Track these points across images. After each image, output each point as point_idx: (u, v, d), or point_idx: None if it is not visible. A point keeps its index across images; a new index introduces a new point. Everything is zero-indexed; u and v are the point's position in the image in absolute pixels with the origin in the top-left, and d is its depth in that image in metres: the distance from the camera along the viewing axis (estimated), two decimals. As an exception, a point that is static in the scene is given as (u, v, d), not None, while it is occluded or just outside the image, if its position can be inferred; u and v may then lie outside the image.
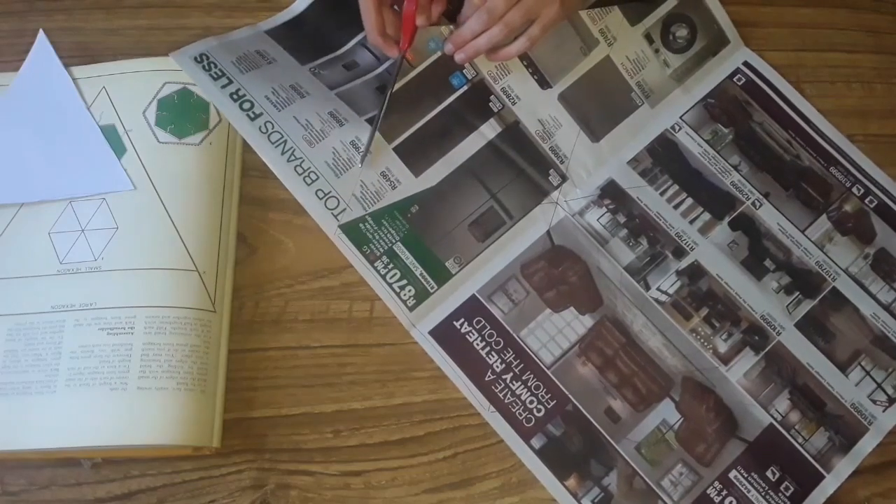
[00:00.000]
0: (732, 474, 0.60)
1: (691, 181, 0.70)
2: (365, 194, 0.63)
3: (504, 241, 0.65)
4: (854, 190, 0.72)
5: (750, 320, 0.65)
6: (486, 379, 0.60)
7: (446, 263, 0.63)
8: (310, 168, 0.62)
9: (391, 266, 0.62)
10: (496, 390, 0.60)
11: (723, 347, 0.64)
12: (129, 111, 0.62)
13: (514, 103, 0.68)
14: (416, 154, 0.65)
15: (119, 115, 0.62)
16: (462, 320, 0.62)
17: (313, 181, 0.62)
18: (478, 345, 0.61)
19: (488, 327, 0.62)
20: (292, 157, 0.62)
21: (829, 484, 0.60)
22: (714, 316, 0.65)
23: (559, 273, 0.65)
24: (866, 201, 0.71)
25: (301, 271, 0.62)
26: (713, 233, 0.68)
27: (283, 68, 0.66)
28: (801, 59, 0.77)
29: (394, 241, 0.63)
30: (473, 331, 0.62)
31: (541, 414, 0.60)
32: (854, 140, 0.74)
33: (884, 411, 0.63)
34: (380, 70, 0.67)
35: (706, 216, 0.69)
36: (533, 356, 0.61)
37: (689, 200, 0.69)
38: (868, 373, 0.64)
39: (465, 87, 0.67)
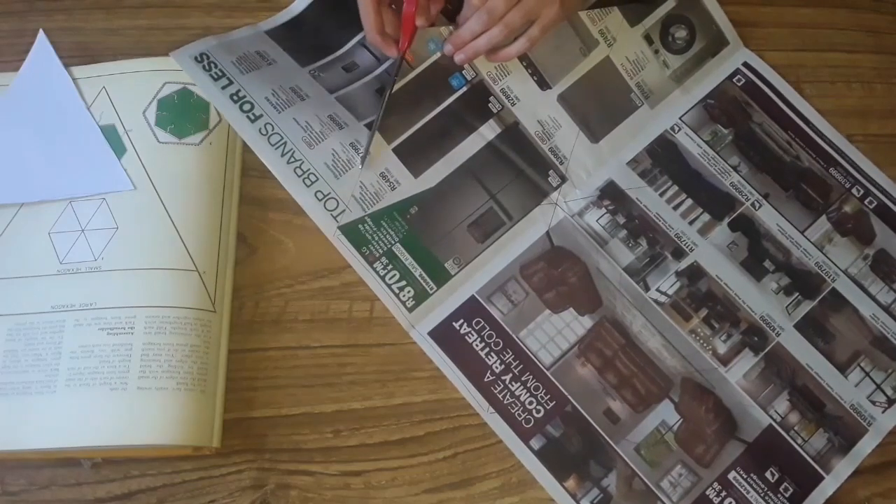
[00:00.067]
0: (732, 475, 0.60)
1: (691, 182, 0.70)
2: (364, 195, 0.63)
3: (503, 241, 0.65)
4: (854, 191, 0.72)
5: (749, 321, 0.65)
6: (486, 380, 0.60)
7: (445, 264, 0.63)
8: (309, 169, 0.62)
9: (390, 267, 0.62)
10: (495, 391, 0.60)
11: (722, 348, 0.64)
12: (129, 111, 0.62)
13: (513, 104, 0.68)
14: (415, 155, 0.65)
15: (119, 115, 0.62)
16: (461, 321, 0.62)
17: (313, 182, 0.62)
18: (477, 346, 0.61)
19: (487, 328, 0.62)
20: (292, 159, 0.62)
21: (829, 485, 0.60)
22: (713, 317, 0.65)
23: (558, 274, 0.65)
24: (866, 202, 0.71)
25: (301, 271, 0.62)
26: (713, 234, 0.68)
27: (282, 70, 0.66)
28: (801, 59, 0.77)
29: (393, 242, 0.63)
30: (473, 332, 0.62)
31: (540, 415, 0.60)
32: (854, 140, 0.74)
33: (883, 412, 0.63)
34: (379, 71, 0.67)
35: (706, 217, 0.69)
36: (532, 357, 0.61)
37: (689, 201, 0.69)
38: (867, 374, 0.65)
39: (465, 88, 0.67)
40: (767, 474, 0.60)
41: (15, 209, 0.60)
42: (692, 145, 0.71)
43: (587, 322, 0.63)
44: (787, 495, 0.60)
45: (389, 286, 0.62)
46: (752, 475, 0.60)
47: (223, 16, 0.70)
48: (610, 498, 0.58)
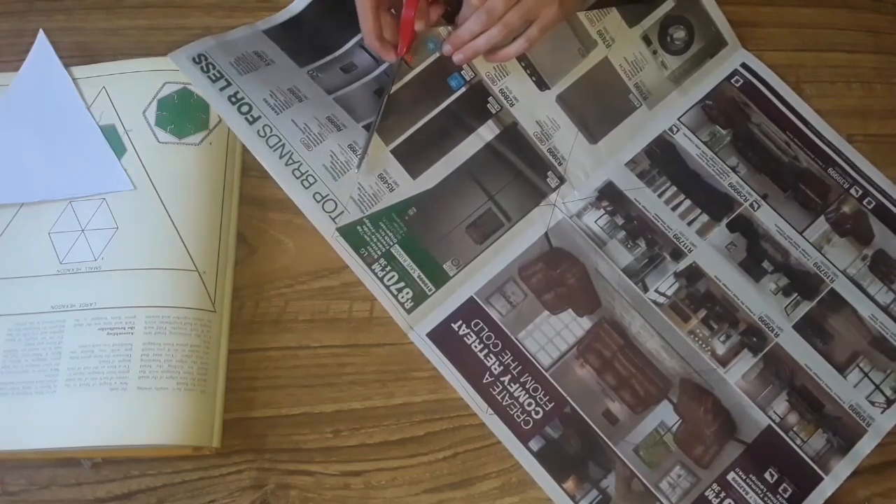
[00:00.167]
0: (731, 476, 0.60)
1: (689, 183, 0.70)
2: (363, 197, 0.63)
3: (502, 243, 0.65)
4: (852, 191, 0.72)
5: (748, 322, 0.65)
6: (484, 381, 0.60)
7: (444, 266, 0.63)
8: (307, 171, 0.62)
9: (389, 269, 0.62)
10: (494, 392, 0.60)
11: (721, 349, 0.64)
12: (129, 111, 0.63)
13: (512, 105, 0.68)
14: (413, 156, 0.65)
15: (119, 115, 0.62)
16: (460, 322, 0.62)
17: (311, 184, 0.62)
18: (476, 347, 0.61)
19: (486, 329, 0.62)
20: (290, 161, 0.62)
21: (828, 485, 0.60)
22: (712, 317, 0.65)
23: (557, 275, 0.65)
24: (864, 202, 0.71)
25: (301, 271, 0.62)
26: (711, 234, 0.68)
27: (281, 70, 0.66)
28: (800, 59, 0.77)
29: (391, 243, 0.63)
30: (471, 333, 0.62)
31: (539, 416, 0.60)
32: (854, 140, 0.74)
33: (882, 413, 0.63)
34: (378, 72, 0.67)
35: (704, 218, 0.69)
36: (531, 358, 0.61)
37: (687, 202, 0.69)
38: (866, 374, 0.65)
39: (464, 89, 0.67)
40: (766, 475, 0.60)
41: (15, 209, 0.60)
42: (690, 146, 0.71)
43: (586, 323, 0.63)
44: (786, 496, 0.60)
45: (388, 287, 0.62)
46: (751, 476, 0.60)
47: (223, 16, 0.70)
48: (609, 499, 0.58)
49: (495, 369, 0.61)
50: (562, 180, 0.68)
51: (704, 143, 0.72)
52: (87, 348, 0.55)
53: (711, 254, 0.67)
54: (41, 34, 0.66)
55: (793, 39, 0.78)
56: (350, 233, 0.62)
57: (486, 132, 0.67)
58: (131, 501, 0.55)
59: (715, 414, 0.62)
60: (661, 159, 0.71)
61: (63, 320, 0.56)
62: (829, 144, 0.73)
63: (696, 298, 0.65)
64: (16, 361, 0.55)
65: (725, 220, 0.69)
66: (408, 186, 0.65)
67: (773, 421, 0.62)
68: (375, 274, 0.62)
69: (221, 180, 0.62)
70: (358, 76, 0.67)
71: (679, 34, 0.74)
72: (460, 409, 0.60)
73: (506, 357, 0.61)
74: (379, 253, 0.62)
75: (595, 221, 0.67)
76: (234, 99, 0.63)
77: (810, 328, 0.66)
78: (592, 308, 0.64)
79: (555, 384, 0.61)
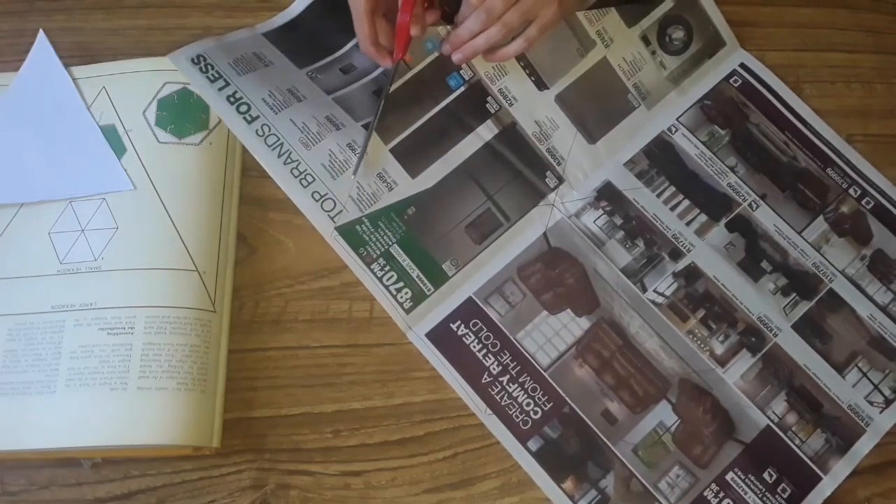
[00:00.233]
0: (729, 476, 0.60)
1: (688, 183, 0.70)
2: (361, 196, 0.63)
3: (501, 243, 0.65)
4: (851, 191, 0.72)
5: (747, 322, 0.65)
6: (483, 381, 0.60)
7: (443, 266, 0.63)
8: (306, 170, 0.62)
9: (388, 268, 0.62)
10: (493, 393, 0.60)
11: (719, 349, 0.64)
12: (129, 111, 0.63)
13: (511, 104, 0.68)
14: (412, 155, 0.65)
15: (119, 115, 0.63)
16: (459, 323, 0.62)
17: (310, 183, 0.62)
18: (474, 347, 0.61)
19: (485, 330, 0.62)
20: (289, 160, 0.62)
21: (827, 485, 0.60)
22: (711, 318, 0.65)
23: (556, 275, 0.65)
24: (863, 203, 0.71)
25: (301, 271, 0.62)
26: (710, 234, 0.68)
27: (280, 71, 0.66)
28: (800, 59, 0.77)
29: (390, 243, 0.63)
30: (470, 333, 0.62)
31: (537, 416, 0.60)
32: (854, 140, 0.74)
33: (881, 413, 0.63)
34: (377, 73, 0.67)
35: (703, 218, 0.69)
36: (529, 358, 0.62)
37: (686, 202, 0.69)
38: (865, 374, 0.65)
39: (462, 88, 0.67)
40: (765, 475, 0.60)
41: (15, 209, 0.60)
42: (689, 146, 0.71)
43: (584, 323, 0.63)
44: (785, 496, 0.60)
45: (387, 287, 0.62)
46: (749, 476, 0.60)
47: (223, 16, 0.70)
48: (608, 499, 0.58)
49: (494, 369, 0.61)
50: (560, 180, 0.68)
51: (703, 143, 0.72)
52: (87, 348, 0.55)
53: (710, 254, 0.67)
54: (41, 34, 0.66)
55: (792, 39, 0.78)
56: (349, 232, 0.62)
57: (485, 132, 0.67)
58: (131, 501, 0.55)
59: (714, 414, 0.62)
60: (660, 159, 0.71)
61: (63, 320, 0.56)
62: (827, 144, 0.73)
63: (695, 298, 0.66)
64: (16, 361, 0.55)
65: (724, 220, 0.69)
66: (407, 186, 0.65)
67: (772, 421, 0.62)
68: (374, 273, 0.62)
69: (221, 180, 0.62)
70: (357, 77, 0.67)
71: (678, 34, 0.74)
72: (460, 409, 0.60)
73: (504, 357, 0.61)
74: (378, 252, 0.62)
75: (594, 221, 0.67)
76: (232, 99, 0.63)
77: (809, 328, 0.66)
78: (591, 308, 0.64)
79: (553, 384, 0.61)
